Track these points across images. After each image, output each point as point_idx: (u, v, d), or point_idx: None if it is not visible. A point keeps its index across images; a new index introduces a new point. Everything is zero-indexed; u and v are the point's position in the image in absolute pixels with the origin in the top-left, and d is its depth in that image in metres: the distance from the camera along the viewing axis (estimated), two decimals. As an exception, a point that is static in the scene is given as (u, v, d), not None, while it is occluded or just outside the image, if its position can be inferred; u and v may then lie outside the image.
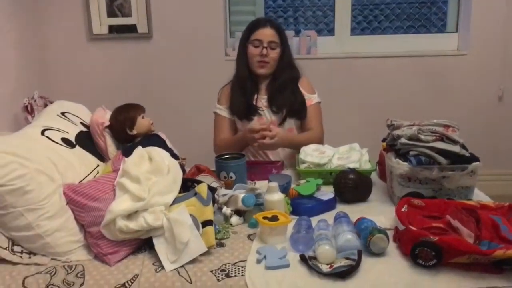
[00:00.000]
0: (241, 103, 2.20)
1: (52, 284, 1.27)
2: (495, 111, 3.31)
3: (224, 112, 2.26)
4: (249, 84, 2.21)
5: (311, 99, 2.24)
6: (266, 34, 2.14)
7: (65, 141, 1.60)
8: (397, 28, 3.44)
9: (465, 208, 1.40)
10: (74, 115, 1.83)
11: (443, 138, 1.60)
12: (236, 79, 2.25)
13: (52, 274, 1.30)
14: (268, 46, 2.13)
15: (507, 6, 3.13)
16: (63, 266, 1.34)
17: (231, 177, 1.79)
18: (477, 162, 1.58)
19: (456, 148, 1.58)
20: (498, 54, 3.22)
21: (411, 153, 1.60)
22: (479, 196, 1.70)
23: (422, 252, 1.25)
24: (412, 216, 1.41)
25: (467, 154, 1.60)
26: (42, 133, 1.56)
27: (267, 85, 2.23)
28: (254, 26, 2.18)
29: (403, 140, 1.62)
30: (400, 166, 1.60)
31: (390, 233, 1.40)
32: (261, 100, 2.22)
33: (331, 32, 3.38)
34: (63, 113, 1.79)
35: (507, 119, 3.32)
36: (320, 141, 2.15)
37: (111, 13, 3.15)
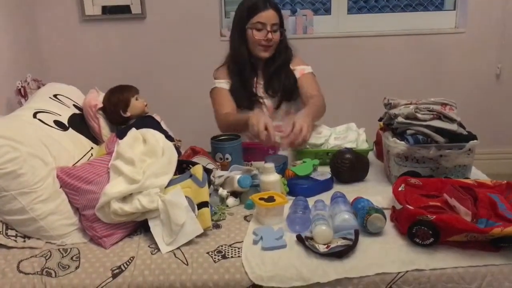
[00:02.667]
0: (242, 93, 2.12)
1: (47, 268, 1.26)
2: (493, 90, 3.30)
3: (224, 84, 2.14)
4: (248, 70, 2.12)
5: (304, 70, 2.18)
6: (269, 16, 2.04)
7: (58, 123, 1.57)
8: (394, 6, 3.40)
9: (463, 187, 1.39)
10: (67, 97, 1.80)
11: (440, 116, 1.58)
12: (233, 65, 2.15)
13: (47, 258, 1.30)
14: (271, 29, 2.05)
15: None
16: (58, 249, 1.33)
17: (227, 159, 1.77)
18: (475, 140, 1.57)
19: (453, 127, 1.56)
20: (496, 32, 3.18)
21: (408, 132, 1.59)
22: (477, 175, 1.69)
23: (419, 231, 1.25)
24: (409, 195, 1.40)
25: (465, 133, 1.59)
26: (34, 115, 1.54)
27: (262, 68, 2.17)
28: (254, 8, 2.06)
29: (400, 119, 1.61)
30: (397, 145, 1.59)
31: (387, 213, 1.39)
32: (259, 86, 2.16)
33: (327, 11, 3.33)
34: (55, 95, 1.76)
35: (505, 97, 3.31)
36: (324, 106, 2.07)
37: (103, -6, 3.09)
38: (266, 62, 2.15)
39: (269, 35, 2.05)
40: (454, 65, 3.25)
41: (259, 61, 2.16)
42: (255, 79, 2.16)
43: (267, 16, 2.05)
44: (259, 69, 2.17)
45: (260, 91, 2.16)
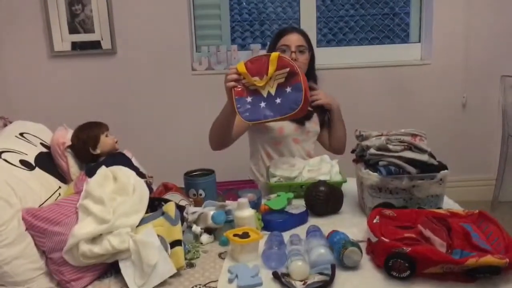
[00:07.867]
0: None
1: (11, 316, 1.20)
2: (459, 118, 3.39)
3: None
4: None
5: None
6: (293, 39, 2.14)
7: (24, 163, 1.52)
8: (361, 39, 3.49)
9: (436, 217, 1.40)
10: (34, 135, 1.75)
11: (411, 147, 1.60)
12: None
13: (11, 305, 1.23)
14: (297, 49, 2.13)
15: (466, 15, 3.22)
16: (23, 296, 1.26)
17: (201, 195, 1.75)
18: (446, 170, 1.59)
19: (424, 157, 1.59)
20: (460, 62, 3.29)
21: (381, 163, 1.60)
22: (449, 204, 1.71)
23: (396, 263, 1.24)
24: (384, 227, 1.40)
25: (435, 163, 1.62)
26: (-1, 155, 1.48)
27: None
28: (281, 33, 2.18)
29: (372, 150, 1.62)
30: (370, 177, 1.60)
31: (363, 245, 1.38)
32: None
33: (297, 44, 3.39)
34: (21, 134, 1.71)
35: (471, 125, 3.40)
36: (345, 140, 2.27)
37: (73, 30, 3.09)
38: None
39: (293, 55, 2.10)
40: (422, 96, 3.33)
41: None
42: None
43: (291, 38, 2.14)
44: None
45: None
